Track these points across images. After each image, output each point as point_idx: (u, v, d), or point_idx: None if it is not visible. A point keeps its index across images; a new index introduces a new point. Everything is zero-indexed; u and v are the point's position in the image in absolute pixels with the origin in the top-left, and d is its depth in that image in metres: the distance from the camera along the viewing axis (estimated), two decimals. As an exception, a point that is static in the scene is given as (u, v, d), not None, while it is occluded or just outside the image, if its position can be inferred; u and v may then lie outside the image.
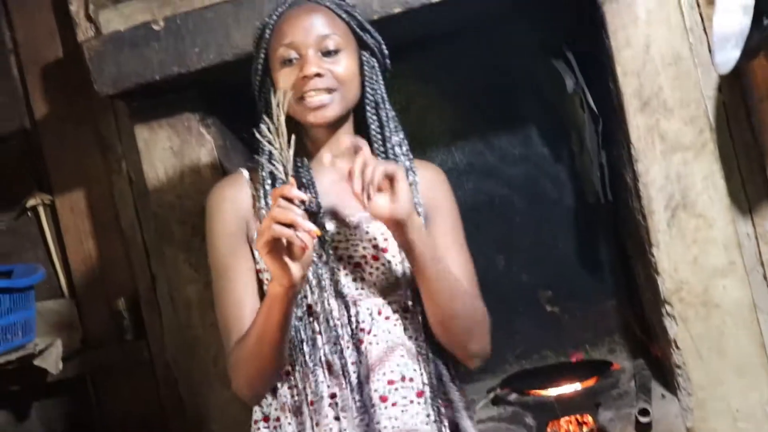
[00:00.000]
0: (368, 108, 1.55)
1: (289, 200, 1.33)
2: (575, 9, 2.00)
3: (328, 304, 1.50)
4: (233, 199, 1.58)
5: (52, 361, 2.20)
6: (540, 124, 2.34)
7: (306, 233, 1.31)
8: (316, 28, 1.51)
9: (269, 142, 1.39)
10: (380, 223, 1.49)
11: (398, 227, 1.41)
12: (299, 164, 1.55)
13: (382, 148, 1.54)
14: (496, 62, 2.29)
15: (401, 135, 1.57)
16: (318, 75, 1.48)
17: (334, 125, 1.55)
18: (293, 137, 1.38)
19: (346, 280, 1.52)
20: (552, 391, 2.05)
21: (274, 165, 1.41)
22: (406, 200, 1.38)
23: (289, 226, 1.31)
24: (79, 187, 2.44)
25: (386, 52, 1.61)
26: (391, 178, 1.38)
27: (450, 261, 1.52)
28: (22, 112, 2.48)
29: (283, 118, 1.39)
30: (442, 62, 2.31)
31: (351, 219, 1.53)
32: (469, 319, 1.51)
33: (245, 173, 1.63)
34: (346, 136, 1.53)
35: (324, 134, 1.57)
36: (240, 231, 1.57)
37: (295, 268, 1.35)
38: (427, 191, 1.58)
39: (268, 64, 1.56)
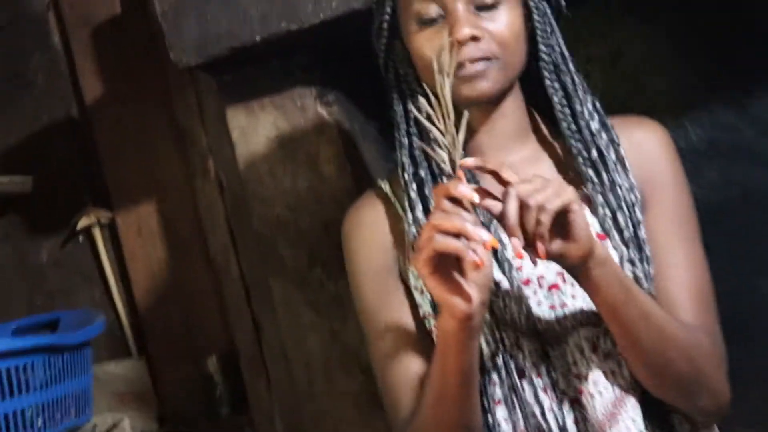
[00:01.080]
0: (545, 73, 1.59)
1: (457, 202, 1.34)
2: None
3: (518, 346, 1.52)
4: (374, 224, 1.65)
5: (118, 449, 2.28)
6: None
7: (480, 245, 1.32)
8: None
9: (430, 121, 1.39)
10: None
11: (576, 269, 1.41)
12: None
13: (573, 126, 1.57)
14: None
15: (591, 101, 1.60)
16: (474, 39, 1.50)
17: (495, 101, 1.58)
18: (465, 115, 1.39)
19: (540, 310, 1.53)
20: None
21: (434, 154, 1.41)
22: (584, 235, 1.37)
23: (458, 236, 1.32)
24: (149, 198, 2.47)
25: None
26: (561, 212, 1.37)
27: (668, 267, 1.55)
28: (66, 94, 2.52)
29: (448, 90, 1.39)
30: None
31: None
32: (691, 368, 1.49)
33: (386, 186, 1.69)
34: (509, 118, 1.60)
35: (480, 114, 1.60)
36: (389, 267, 1.64)
37: (473, 290, 1.35)
38: (639, 161, 1.59)
39: (397, 22, 1.61)
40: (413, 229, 1.55)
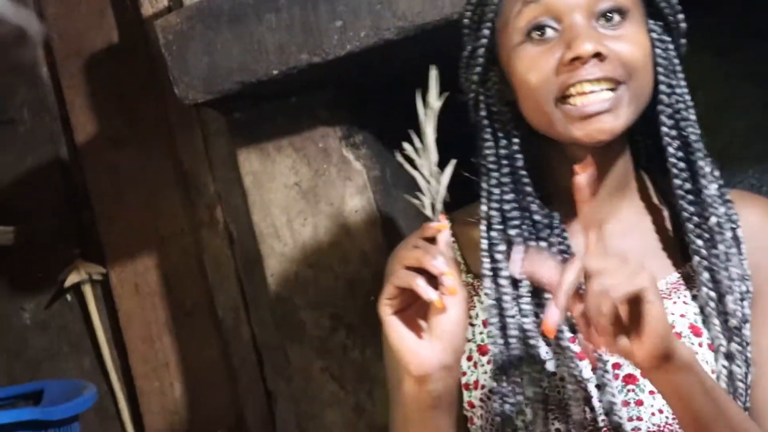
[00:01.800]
0: (663, 118, 1.52)
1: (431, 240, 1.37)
2: None
3: None
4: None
5: None
6: None
7: (445, 281, 1.32)
8: None
9: (411, 164, 1.41)
10: (668, 308, 1.48)
11: (649, 372, 1.35)
12: (545, 222, 1.54)
13: (689, 186, 1.52)
14: None
15: (711, 164, 1.54)
16: (598, 56, 1.41)
17: (607, 146, 1.49)
18: (452, 163, 1.38)
19: (607, 405, 1.47)
20: None
21: (418, 198, 1.41)
22: (659, 333, 1.28)
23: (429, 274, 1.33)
24: (148, 251, 2.47)
25: (683, 24, 1.55)
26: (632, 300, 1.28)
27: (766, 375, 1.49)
28: (55, 133, 2.55)
29: (432, 129, 1.40)
30: (730, 22, 2.19)
31: None
32: None
33: (447, 224, 1.60)
34: (615, 167, 1.54)
35: (593, 156, 1.50)
36: None
37: (434, 346, 1.35)
38: (752, 247, 1.52)
39: (495, 47, 1.54)
40: (492, 301, 1.50)
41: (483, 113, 1.54)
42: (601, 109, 1.41)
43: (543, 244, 1.48)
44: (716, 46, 2.22)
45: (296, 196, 2.08)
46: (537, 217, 1.50)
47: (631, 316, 1.28)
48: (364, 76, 2.01)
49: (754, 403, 1.48)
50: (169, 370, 2.43)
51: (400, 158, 1.40)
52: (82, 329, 2.52)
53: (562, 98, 1.43)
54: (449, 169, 1.37)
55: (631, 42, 1.43)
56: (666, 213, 1.56)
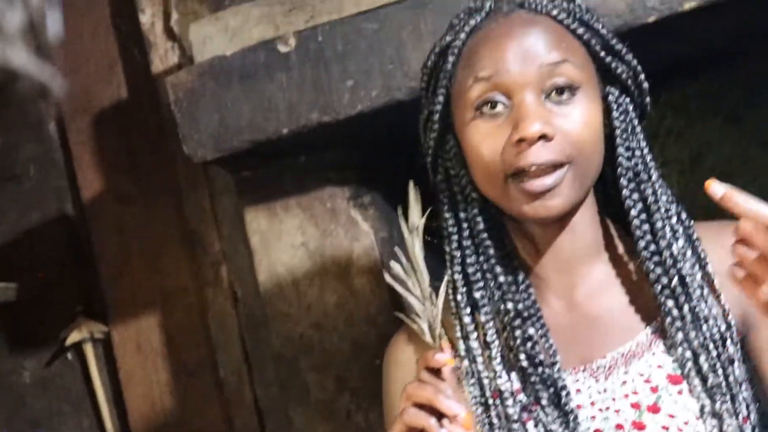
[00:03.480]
0: (624, 182, 1.54)
1: (437, 372, 1.42)
2: None
3: None
4: (407, 364, 1.62)
5: None
6: None
7: (459, 420, 1.38)
8: (537, 51, 1.48)
9: (403, 285, 1.47)
10: (644, 363, 1.50)
11: None
12: (510, 281, 1.57)
13: (653, 247, 1.52)
14: None
15: (677, 214, 1.55)
16: (544, 137, 1.44)
17: (567, 216, 1.53)
18: (444, 284, 1.47)
19: None
20: None
21: (414, 322, 1.48)
22: None
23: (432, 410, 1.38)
24: (152, 310, 2.45)
25: (645, 85, 1.59)
26: None
27: None
28: (61, 189, 2.54)
29: (419, 248, 1.46)
30: (740, 86, 2.24)
31: (599, 363, 1.54)
32: None
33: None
34: (579, 235, 1.56)
35: (544, 232, 1.57)
36: None
37: None
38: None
39: (451, 113, 1.57)
40: (466, 363, 1.53)
41: (441, 177, 1.59)
42: (545, 189, 1.44)
43: (510, 305, 1.50)
44: (727, 111, 2.24)
45: (303, 256, 2.09)
46: (501, 279, 1.52)
47: None
48: (374, 136, 2.02)
49: None
50: (170, 431, 2.43)
51: (388, 279, 1.47)
52: (82, 389, 2.50)
53: (512, 175, 1.45)
54: (443, 291, 1.44)
55: (579, 120, 1.45)
56: (635, 266, 1.56)
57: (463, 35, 1.52)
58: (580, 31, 1.50)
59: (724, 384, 1.46)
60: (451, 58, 1.52)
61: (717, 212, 2.20)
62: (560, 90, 1.45)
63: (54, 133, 2.53)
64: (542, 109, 1.45)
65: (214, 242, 2.40)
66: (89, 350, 2.47)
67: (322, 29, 1.91)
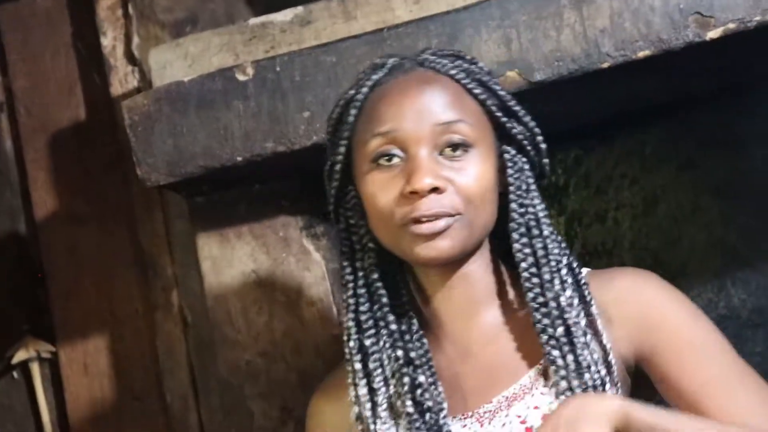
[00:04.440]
0: (515, 236, 1.58)
1: None
2: None
3: None
4: (335, 415, 1.66)
5: None
6: None
7: None
8: (433, 110, 1.53)
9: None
10: (523, 406, 1.53)
11: None
12: (403, 330, 1.61)
13: (540, 299, 1.56)
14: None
15: (567, 266, 1.58)
16: (435, 190, 1.49)
17: (456, 262, 1.57)
18: None
19: None
20: None
21: None
22: None
23: None
24: (100, 332, 2.44)
25: (542, 146, 1.63)
26: None
27: (725, 394, 1.51)
28: (14, 207, 2.53)
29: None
30: (710, 133, 2.23)
31: (486, 407, 1.56)
32: None
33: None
34: (473, 283, 1.60)
35: (438, 277, 1.60)
36: None
37: None
38: (627, 314, 1.57)
39: (351, 163, 1.61)
40: (355, 410, 1.56)
41: (342, 226, 1.63)
42: (432, 233, 1.48)
43: (399, 352, 1.54)
44: (683, 158, 2.25)
45: (253, 284, 2.09)
46: (393, 327, 1.56)
47: None
48: None
49: None
50: None
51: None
52: (26, 408, 2.48)
53: (405, 223, 1.49)
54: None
55: (470, 175, 1.50)
56: (523, 311, 1.58)
57: (365, 89, 1.57)
58: (477, 91, 1.55)
59: None
60: (352, 111, 1.57)
61: (666, 256, 2.19)
62: (454, 147, 1.50)
63: (10, 151, 2.52)
64: (434, 164, 1.49)
65: (167, 266, 2.39)
66: (35, 369, 2.46)
67: (281, 60, 1.92)
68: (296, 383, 2.03)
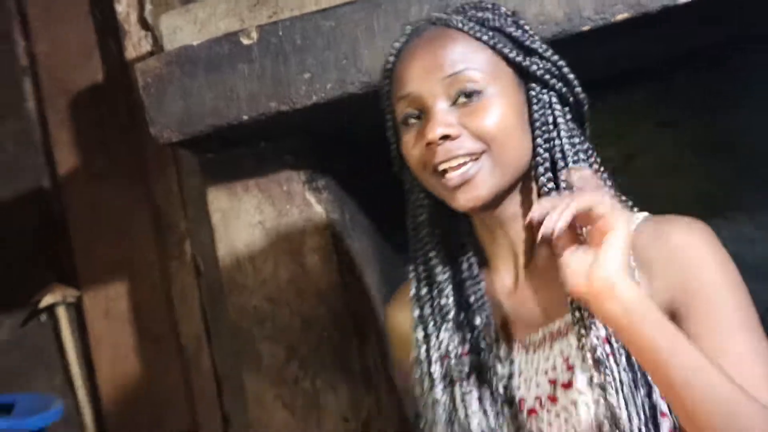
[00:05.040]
0: (540, 170, 1.55)
1: None
2: None
3: None
4: (403, 326, 1.69)
5: None
6: None
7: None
8: (439, 65, 1.52)
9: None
10: (566, 342, 1.52)
11: (595, 301, 1.37)
12: (462, 268, 1.63)
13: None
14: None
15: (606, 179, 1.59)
16: (446, 137, 1.49)
17: (497, 201, 1.56)
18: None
19: None
20: None
21: None
22: (609, 260, 1.34)
23: None
24: (119, 279, 2.47)
25: (570, 77, 1.59)
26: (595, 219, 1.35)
27: (735, 368, 1.42)
28: (38, 164, 2.55)
29: None
30: (691, 94, 2.24)
31: (532, 338, 1.57)
32: None
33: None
34: (519, 221, 1.59)
35: (481, 219, 1.61)
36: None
37: None
38: (671, 268, 1.51)
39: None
40: (422, 351, 1.60)
41: (407, 186, 1.65)
42: (462, 182, 1.49)
43: (452, 299, 1.59)
44: (658, 117, 2.27)
45: (259, 234, 2.11)
46: (444, 276, 1.60)
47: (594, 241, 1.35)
48: (330, 125, 2.05)
49: None
50: (133, 391, 2.43)
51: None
52: (53, 348, 2.51)
53: (437, 172, 1.51)
54: None
55: (484, 115, 1.49)
56: None
57: (392, 58, 1.59)
58: (485, 37, 1.53)
59: (627, 366, 1.47)
60: (386, 81, 1.60)
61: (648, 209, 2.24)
62: (467, 94, 1.50)
63: (34, 113, 2.52)
64: (447, 115, 1.50)
65: (180, 219, 2.39)
66: (62, 313, 2.48)
67: (283, 24, 1.92)
68: (299, 326, 2.06)
